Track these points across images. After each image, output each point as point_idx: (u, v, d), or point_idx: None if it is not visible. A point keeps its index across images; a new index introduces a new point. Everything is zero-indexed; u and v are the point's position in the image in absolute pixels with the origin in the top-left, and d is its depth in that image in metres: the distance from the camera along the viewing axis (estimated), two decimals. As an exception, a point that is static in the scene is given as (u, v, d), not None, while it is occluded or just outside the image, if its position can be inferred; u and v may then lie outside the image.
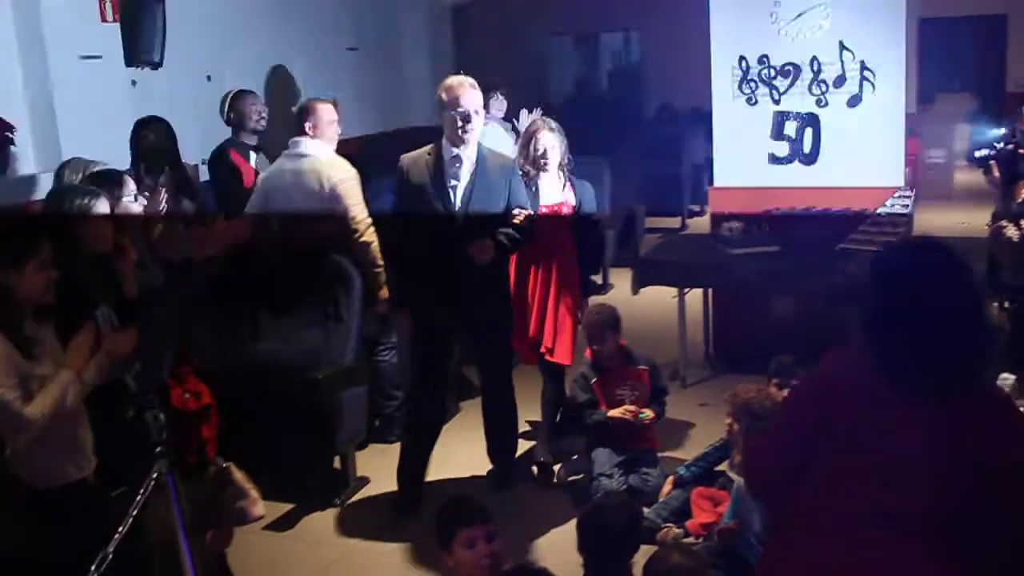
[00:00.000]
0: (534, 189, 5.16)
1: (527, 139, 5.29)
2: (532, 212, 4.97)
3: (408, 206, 4.78)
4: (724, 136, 6.90)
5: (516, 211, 4.80)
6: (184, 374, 4.54)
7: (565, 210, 5.26)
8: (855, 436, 2.37)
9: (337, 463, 5.25)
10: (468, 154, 4.73)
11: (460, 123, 4.64)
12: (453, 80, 4.74)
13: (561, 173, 5.27)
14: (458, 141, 4.70)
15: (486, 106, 7.85)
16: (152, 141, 5.32)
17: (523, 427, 5.50)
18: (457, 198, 4.70)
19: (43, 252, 3.20)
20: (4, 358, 3.06)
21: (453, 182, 4.70)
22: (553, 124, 5.28)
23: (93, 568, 1.87)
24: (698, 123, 12.06)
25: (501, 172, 4.82)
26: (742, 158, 6.78)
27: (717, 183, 7.04)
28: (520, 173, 5.06)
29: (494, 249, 4.68)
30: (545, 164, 5.19)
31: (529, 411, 5.49)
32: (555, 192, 5.24)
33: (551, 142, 5.18)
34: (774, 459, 2.58)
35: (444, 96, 4.68)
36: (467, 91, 4.69)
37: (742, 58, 6.66)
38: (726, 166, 6.93)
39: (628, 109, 13.07)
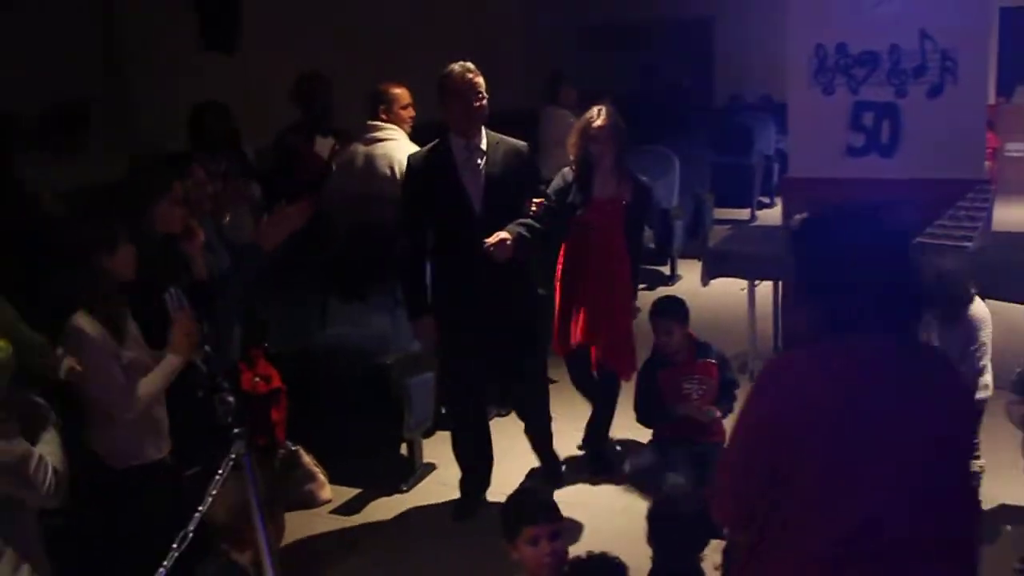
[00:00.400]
0: (588, 184, 4.93)
1: (579, 132, 4.98)
2: (550, 200, 4.80)
3: (420, 207, 4.53)
4: (799, 126, 6.77)
5: (535, 201, 4.58)
6: (254, 358, 4.58)
7: (622, 205, 4.96)
8: (830, 448, 2.03)
9: (404, 449, 5.26)
10: (479, 144, 4.48)
11: (470, 112, 4.40)
12: (457, 68, 4.44)
13: (616, 168, 4.96)
14: (469, 131, 4.45)
15: (554, 96, 7.89)
16: (213, 124, 5.35)
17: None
18: (472, 192, 4.45)
19: (127, 234, 3.26)
20: (105, 344, 3.13)
21: (466, 175, 4.45)
22: (606, 116, 4.91)
23: (175, 546, 1.88)
24: (769, 113, 11.96)
25: (515, 158, 4.54)
26: (817, 149, 6.65)
27: (791, 173, 6.93)
28: (569, 167, 4.93)
29: (514, 243, 4.39)
30: (598, 158, 4.90)
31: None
32: (608, 187, 4.94)
33: (603, 135, 4.87)
34: (739, 504, 2.19)
35: (450, 85, 4.40)
36: (475, 78, 4.42)
37: (819, 46, 6.52)
38: (800, 157, 6.81)
39: (699, 98, 12.93)
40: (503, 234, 4.35)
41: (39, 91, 5.68)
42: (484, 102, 4.44)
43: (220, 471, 1.98)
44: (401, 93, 5.47)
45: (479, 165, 4.44)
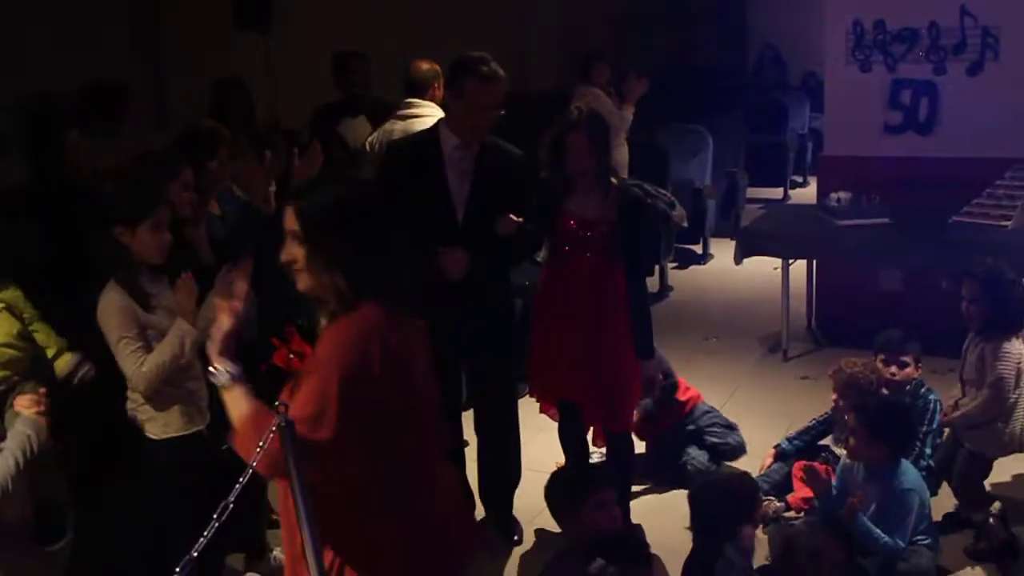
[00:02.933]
0: (561, 199, 4.00)
1: (551, 139, 3.97)
2: (535, 218, 3.95)
3: (395, 203, 3.99)
4: (835, 104, 6.72)
5: (512, 218, 3.82)
6: (290, 334, 4.60)
7: (600, 231, 3.96)
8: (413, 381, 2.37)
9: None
10: (474, 146, 3.94)
11: (478, 125, 3.86)
12: (483, 70, 3.79)
13: (600, 181, 3.97)
14: (470, 140, 3.90)
15: (587, 73, 7.84)
16: (237, 101, 5.36)
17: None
18: (457, 198, 3.92)
19: (156, 214, 3.28)
20: (124, 308, 3.17)
21: (454, 178, 3.91)
22: (588, 118, 3.96)
23: (215, 516, 1.91)
24: (804, 91, 11.86)
25: (511, 169, 3.99)
26: (854, 126, 6.59)
27: (827, 151, 6.88)
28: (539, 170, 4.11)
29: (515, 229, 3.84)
30: (573, 173, 3.94)
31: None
32: (590, 205, 3.97)
33: (579, 145, 3.88)
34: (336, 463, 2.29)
35: (467, 88, 3.80)
36: (497, 87, 3.82)
37: (857, 23, 6.46)
38: (837, 135, 6.76)
39: (732, 76, 12.83)
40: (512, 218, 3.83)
41: (75, 70, 5.71)
42: (498, 114, 3.86)
43: (260, 443, 2.00)
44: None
45: (470, 169, 3.91)
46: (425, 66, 5.33)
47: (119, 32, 6.87)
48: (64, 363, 3.42)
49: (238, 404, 2.31)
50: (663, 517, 4.35)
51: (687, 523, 3.59)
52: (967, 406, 4.17)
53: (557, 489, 3.35)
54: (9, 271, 3.25)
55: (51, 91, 5.19)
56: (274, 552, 4.13)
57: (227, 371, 2.34)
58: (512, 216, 3.81)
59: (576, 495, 3.23)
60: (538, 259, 4.79)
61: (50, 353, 3.37)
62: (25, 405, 3.02)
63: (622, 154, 7.68)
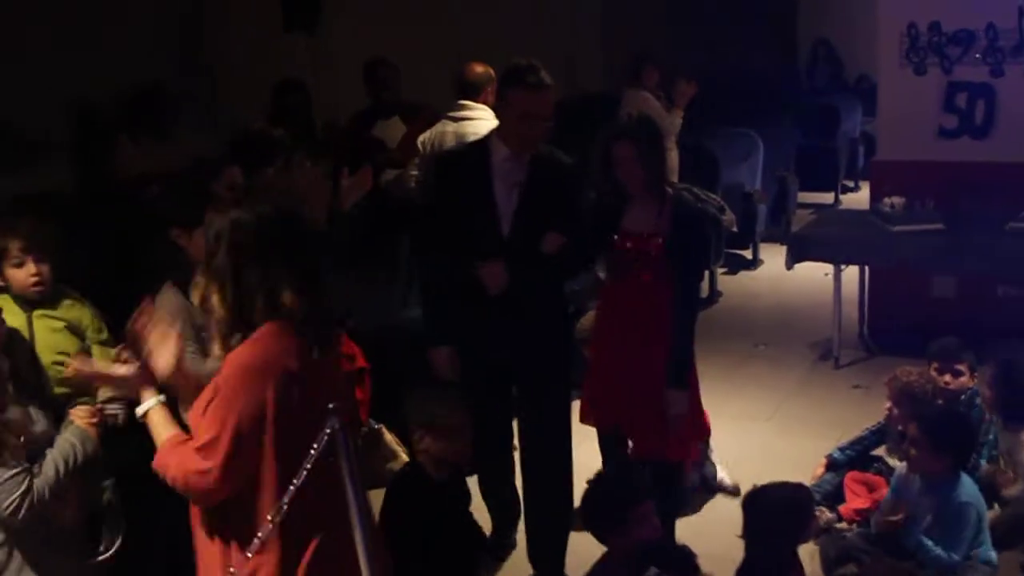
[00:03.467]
0: (616, 213, 3.85)
1: (600, 151, 3.84)
2: (588, 236, 3.82)
3: (441, 216, 3.82)
4: (889, 107, 6.61)
5: (548, 238, 3.68)
6: (338, 336, 4.60)
7: (660, 243, 3.77)
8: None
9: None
10: (524, 156, 3.73)
11: (528, 136, 3.66)
12: (530, 79, 3.62)
13: (654, 192, 3.80)
14: (518, 144, 3.69)
15: (637, 76, 7.80)
16: (295, 105, 5.37)
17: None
18: (503, 211, 3.72)
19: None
20: (181, 308, 3.20)
21: (501, 190, 3.72)
22: (636, 125, 3.87)
23: (269, 518, 1.91)
24: (856, 94, 11.69)
25: (562, 178, 3.81)
26: (908, 130, 6.48)
27: (880, 156, 6.77)
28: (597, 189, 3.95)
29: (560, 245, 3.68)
30: (625, 184, 3.79)
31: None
32: (642, 218, 3.81)
33: (626, 154, 3.73)
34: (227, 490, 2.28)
35: (514, 99, 3.64)
36: (546, 96, 3.65)
37: (912, 25, 6.35)
38: (890, 138, 6.65)
39: (783, 80, 12.68)
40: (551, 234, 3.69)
41: (124, 74, 5.76)
42: (548, 124, 3.71)
43: (315, 446, 1.99)
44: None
45: (519, 181, 3.71)
46: (479, 69, 5.32)
47: (169, 36, 6.93)
48: (104, 391, 3.28)
49: (161, 428, 2.39)
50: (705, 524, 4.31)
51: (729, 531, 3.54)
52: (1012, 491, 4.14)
53: (599, 502, 3.29)
54: (64, 276, 3.25)
55: (98, 96, 5.26)
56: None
57: (155, 399, 2.42)
58: (557, 235, 3.67)
59: (622, 507, 3.19)
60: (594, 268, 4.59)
61: None
62: (80, 416, 3.05)
63: (672, 159, 7.62)
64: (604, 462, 4.11)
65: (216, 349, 2.32)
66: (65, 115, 5.06)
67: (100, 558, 3.08)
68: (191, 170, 3.90)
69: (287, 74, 6.23)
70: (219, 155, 4.08)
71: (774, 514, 3.30)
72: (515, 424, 4.12)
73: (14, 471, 2.75)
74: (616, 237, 3.82)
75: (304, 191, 4.11)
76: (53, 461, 2.86)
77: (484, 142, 3.84)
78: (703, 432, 4.22)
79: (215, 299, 2.30)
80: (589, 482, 3.42)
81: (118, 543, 3.13)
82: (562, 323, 4.04)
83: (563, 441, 3.95)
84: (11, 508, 2.72)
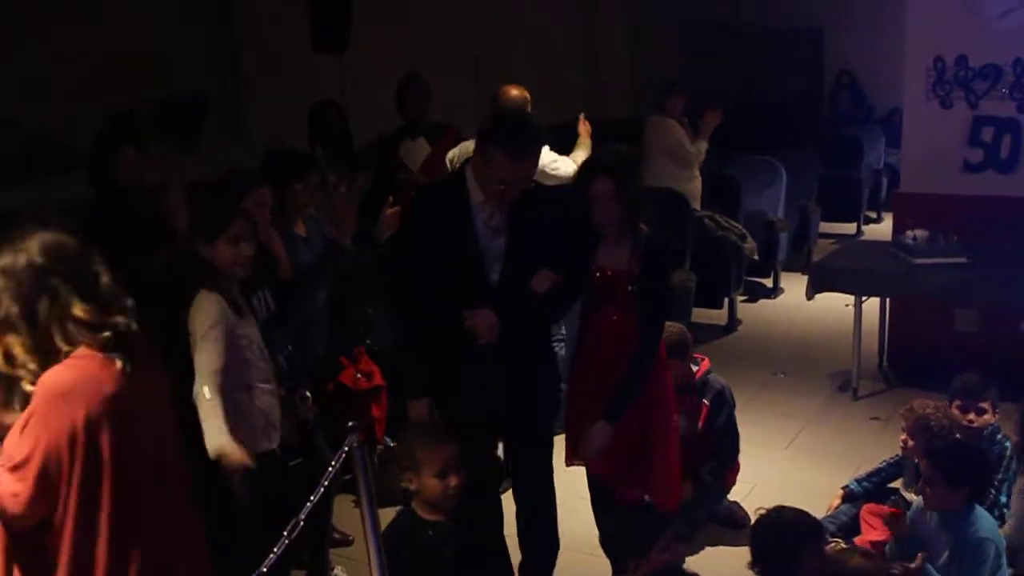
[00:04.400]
0: (596, 250, 3.73)
1: (581, 182, 3.72)
2: (569, 271, 3.60)
3: (421, 260, 3.54)
4: (914, 139, 6.61)
5: (547, 275, 3.49)
6: (358, 354, 4.63)
7: (625, 285, 3.66)
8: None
9: (500, 450, 5.24)
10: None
11: (501, 196, 3.44)
12: (517, 140, 3.41)
13: (628, 229, 3.65)
14: (493, 198, 3.46)
15: (663, 103, 7.79)
16: (333, 123, 5.40)
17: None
18: (489, 255, 3.49)
19: (233, 228, 3.32)
20: (219, 309, 3.25)
21: (485, 232, 3.48)
22: (618, 162, 3.63)
23: (285, 534, 1.91)
24: (880, 126, 11.68)
25: (543, 214, 3.55)
26: (932, 163, 6.47)
27: (904, 188, 6.76)
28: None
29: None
30: (599, 221, 3.64)
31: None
32: (618, 257, 3.68)
33: (604, 191, 3.56)
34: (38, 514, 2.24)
35: (498, 155, 3.39)
36: (529, 163, 3.45)
37: (938, 59, 6.35)
38: (914, 171, 6.64)
39: (807, 110, 12.68)
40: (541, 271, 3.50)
41: (156, 87, 5.84)
42: (526, 186, 3.49)
43: (333, 463, 2.00)
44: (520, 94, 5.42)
45: (502, 225, 3.47)
46: (514, 92, 5.36)
47: (199, 50, 7.02)
48: None
49: None
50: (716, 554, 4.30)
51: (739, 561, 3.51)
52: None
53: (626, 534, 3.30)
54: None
55: (124, 109, 5.32)
56: (335, 571, 4.15)
57: None
58: (547, 272, 3.47)
59: (648, 539, 3.20)
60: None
61: None
62: None
63: (695, 186, 7.65)
64: (593, 504, 4.04)
65: None
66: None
67: None
68: (212, 183, 3.92)
69: (315, 94, 6.28)
70: (250, 171, 4.10)
71: (784, 538, 3.29)
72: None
73: None
74: (592, 269, 3.69)
75: (338, 216, 4.12)
76: None
77: (460, 180, 3.53)
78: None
79: (18, 350, 2.23)
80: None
81: None
82: (552, 366, 3.87)
83: (551, 485, 3.86)
84: None
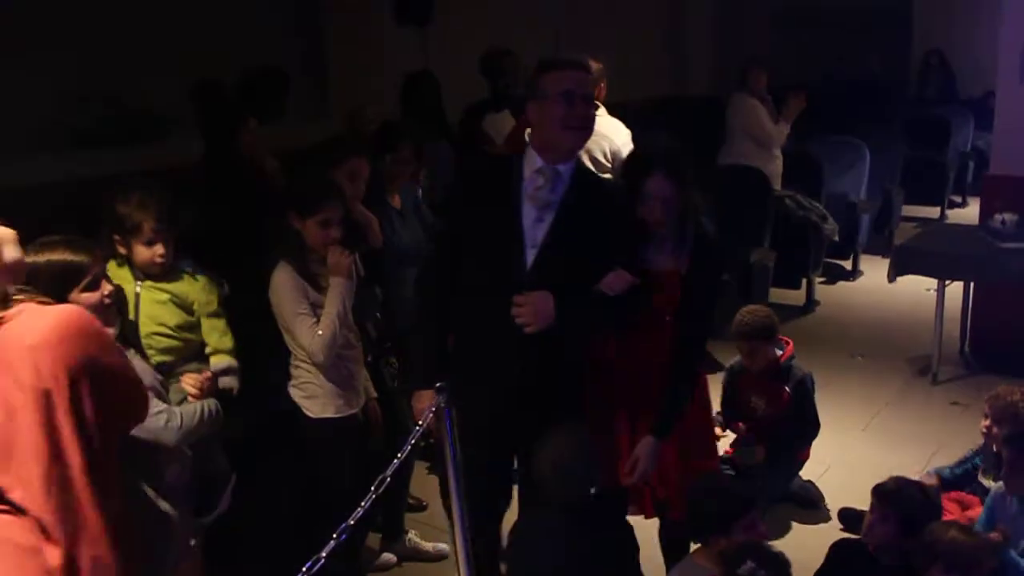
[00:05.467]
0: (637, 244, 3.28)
1: (627, 178, 3.37)
2: (638, 277, 3.14)
3: (457, 236, 3.17)
4: (1005, 122, 6.45)
5: (613, 276, 3.06)
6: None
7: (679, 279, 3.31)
8: None
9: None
10: (562, 172, 3.07)
11: (567, 123, 2.99)
12: (563, 57, 3.12)
13: (677, 231, 3.30)
14: (557, 152, 3.05)
15: (744, 80, 7.69)
16: (426, 95, 5.43)
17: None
18: (529, 236, 3.05)
19: (325, 211, 3.40)
20: (296, 286, 3.34)
21: (529, 211, 3.05)
22: (679, 160, 3.27)
23: (372, 489, 1.97)
24: (969, 108, 11.40)
25: (606, 206, 3.13)
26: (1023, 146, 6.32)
27: (992, 170, 6.61)
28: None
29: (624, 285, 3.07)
30: (651, 223, 3.26)
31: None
32: (663, 255, 3.30)
33: (669, 190, 3.21)
34: None
35: (546, 79, 3.04)
36: (585, 75, 3.07)
37: (1033, 41, 6.19)
38: (1005, 153, 6.49)
39: (894, 88, 12.42)
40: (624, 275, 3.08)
41: (240, 59, 5.95)
42: (593, 116, 3.08)
43: (420, 423, 2.05)
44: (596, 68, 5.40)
45: (553, 200, 3.05)
46: (592, 64, 5.33)
47: (283, 23, 7.13)
48: (218, 361, 3.31)
49: None
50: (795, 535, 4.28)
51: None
52: None
53: (706, 511, 3.27)
54: (189, 250, 3.36)
55: (222, 79, 5.45)
56: (409, 535, 4.23)
57: None
58: (623, 272, 3.05)
59: (726, 517, 3.20)
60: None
61: (207, 350, 3.32)
62: (190, 383, 3.13)
63: (776, 166, 7.55)
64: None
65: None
66: (189, 94, 5.26)
67: (204, 520, 3.18)
68: (314, 157, 3.98)
69: (398, 67, 6.33)
70: (345, 143, 4.16)
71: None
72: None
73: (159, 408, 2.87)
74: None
75: (396, 177, 4.18)
76: (181, 414, 2.96)
77: (512, 156, 3.18)
78: None
79: None
80: (694, 491, 3.33)
81: (221, 509, 3.23)
82: (577, 393, 3.29)
83: None
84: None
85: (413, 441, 2.02)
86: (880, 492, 3.49)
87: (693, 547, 3.40)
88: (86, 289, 2.70)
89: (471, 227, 3.10)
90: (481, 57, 6.31)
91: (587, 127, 3.05)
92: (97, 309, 2.65)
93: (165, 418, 2.88)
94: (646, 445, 3.23)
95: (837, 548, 3.66)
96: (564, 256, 3.01)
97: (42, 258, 2.63)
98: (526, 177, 3.05)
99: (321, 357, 3.24)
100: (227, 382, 3.24)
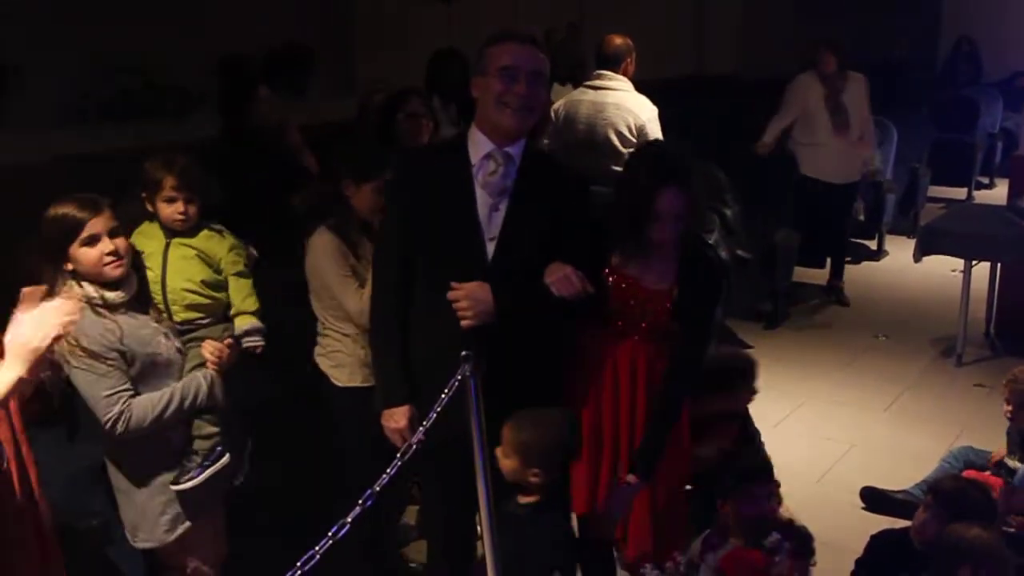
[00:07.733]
0: (628, 256, 3.00)
1: (640, 195, 2.91)
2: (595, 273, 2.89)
3: (406, 234, 2.89)
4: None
5: (560, 276, 2.77)
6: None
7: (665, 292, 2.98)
8: None
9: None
10: (512, 154, 2.82)
11: (507, 100, 2.73)
12: (508, 31, 2.86)
13: (675, 249, 2.98)
14: (502, 133, 2.80)
15: (813, 62, 7.27)
16: (451, 73, 5.42)
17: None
18: (486, 226, 2.82)
19: (382, 180, 3.36)
20: (339, 250, 3.35)
21: (483, 199, 2.82)
22: (689, 171, 2.93)
23: (398, 456, 1.99)
24: (999, 89, 11.27)
25: (566, 191, 2.90)
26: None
27: (1022, 151, 6.56)
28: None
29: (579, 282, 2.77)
30: (658, 239, 2.93)
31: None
32: (656, 270, 2.99)
33: (682, 206, 2.88)
34: None
35: (491, 53, 2.79)
36: (530, 48, 2.77)
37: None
38: (1034, 134, 6.44)
39: (922, 70, 12.31)
40: (566, 269, 2.78)
41: (266, 36, 5.98)
42: (538, 95, 2.80)
43: (446, 391, 2.07)
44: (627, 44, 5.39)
45: (505, 187, 2.82)
46: (618, 40, 5.34)
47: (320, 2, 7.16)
48: (242, 322, 3.28)
49: None
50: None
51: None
52: None
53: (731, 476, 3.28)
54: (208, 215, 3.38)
55: (242, 53, 5.48)
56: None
57: None
58: (575, 272, 2.77)
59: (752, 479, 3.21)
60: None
61: (232, 311, 3.30)
62: (209, 351, 3.13)
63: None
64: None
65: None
66: (214, 69, 5.31)
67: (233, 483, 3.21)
68: (369, 125, 3.98)
69: (422, 44, 6.33)
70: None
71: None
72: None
73: (114, 390, 2.83)
74: (610, 275, 3.00)
75: (412, 135, 4.19)
76: (171, 394, 2.96)
77: (461, 139, 2.91)
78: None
79: None
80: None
81: (241, 475, 3.26)
82: (559, 374, 3.05)
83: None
84: (109, 423, 2.83)
85: (439, 408, 2.02)
86: (939, 492, 3.41)
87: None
88: (84, 244, 2.77)
89: (422, 222, 2.84)
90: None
91: (528, 107, 2.75)
92: (96, 266, 2.77)
93: (118, 411, 2.86)
94: (623, 492, 2.98)
95: (878, 539, 3.63)
96: (526, 247, 2.80)
97: (50, 212, 2.77)
98: (475, 163, 2.82)
99: (367, 319, 3.21)
100: (252, 342, 3.27)
